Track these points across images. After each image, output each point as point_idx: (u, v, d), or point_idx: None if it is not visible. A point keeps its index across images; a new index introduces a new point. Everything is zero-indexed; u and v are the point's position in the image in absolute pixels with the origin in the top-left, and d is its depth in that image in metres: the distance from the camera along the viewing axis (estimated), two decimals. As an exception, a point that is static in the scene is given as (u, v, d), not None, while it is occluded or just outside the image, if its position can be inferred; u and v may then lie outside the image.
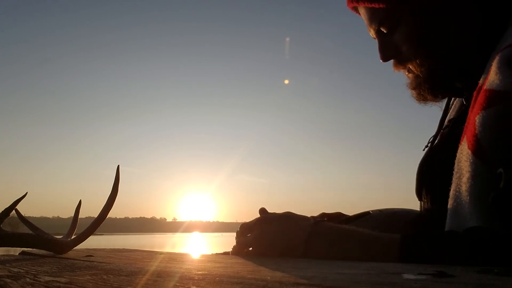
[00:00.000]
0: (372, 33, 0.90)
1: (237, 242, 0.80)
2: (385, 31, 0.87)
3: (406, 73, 0.88)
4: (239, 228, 0.81)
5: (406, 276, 0.39)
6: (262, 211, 0.80)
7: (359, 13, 0.93)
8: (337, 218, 0.97)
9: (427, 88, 0.85)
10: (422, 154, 0.94)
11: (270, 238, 0.74)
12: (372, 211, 0.99)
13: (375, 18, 0.86)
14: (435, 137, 0.94)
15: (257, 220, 0.78)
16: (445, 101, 0.96)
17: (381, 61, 0.89)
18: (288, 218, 0.76)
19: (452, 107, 0.97)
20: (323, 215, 0.98)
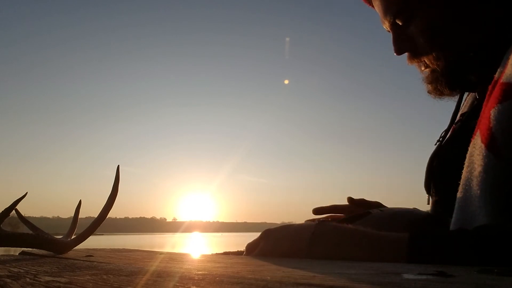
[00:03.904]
0: (386, 26, 0.88)
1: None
2: (400, 23, 0.85)
3: (422, 67, 0.87)
4: (245, 248, 0.80)
5: (406, 276, 0.39)
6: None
7: (372, 6, 0.92)
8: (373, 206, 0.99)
9: (445, 82, 0.83)
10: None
11: (273, 243, 0.73)
12: (372, 210, 0.99)
13: (391, 10, 0.85)
14: (446, 131, 0.93)
15: (259, 236, 0.77)
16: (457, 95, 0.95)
17: (395, 54, 0.87)
18: (290, 225, 0.75)
19: (465, 102, 0.95)
20: (361, 200, 1.01)
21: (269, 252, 0.74)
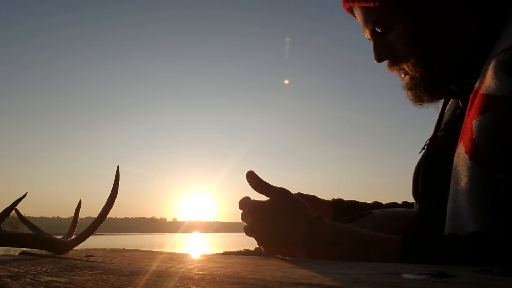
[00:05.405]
0: (367, 34, 0.89)
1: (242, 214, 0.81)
2: (380, 31, 0.85)
3: (402, 75, 0.87)
4: (239, 202, 0.82)
5: (406, 276, 0.39)
6: (249, 175, 0.81)
7: (354, 15, 0.92)
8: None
9: (424, 88, 0.84)
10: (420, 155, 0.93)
11: (266, 235, 0.75)
12: (374, 210, 0.99)
13: (371, 18, 0.85)
14: (431, 139, 0.94)
15: (249, 208, 0.78)
16: (441, 102, 0.95)
17: (375, 61, 0.87)
18: (284, 211, 0.74)
19: (447, 108, 0.96)
20: (299, 195, 0.97)
21: (263, 238, 0.75)
